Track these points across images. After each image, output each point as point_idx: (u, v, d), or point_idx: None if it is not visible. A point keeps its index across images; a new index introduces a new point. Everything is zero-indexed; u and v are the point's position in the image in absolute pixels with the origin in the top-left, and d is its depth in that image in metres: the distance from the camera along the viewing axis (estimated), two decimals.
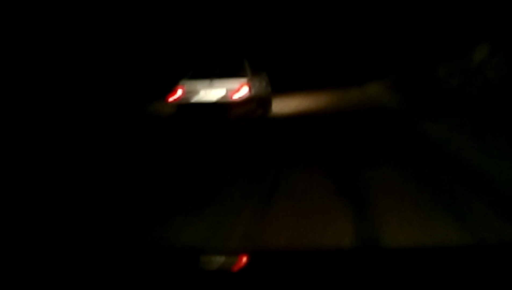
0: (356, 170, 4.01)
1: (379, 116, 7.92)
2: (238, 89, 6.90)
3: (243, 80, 7.04)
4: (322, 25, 18.44)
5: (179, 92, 7.22)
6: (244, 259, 1.30)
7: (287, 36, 18.34)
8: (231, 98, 6.88)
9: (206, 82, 7.15)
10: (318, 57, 17.83)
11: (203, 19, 15.75)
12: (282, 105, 9.44)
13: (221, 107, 6.91)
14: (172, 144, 6.08)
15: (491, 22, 9.04)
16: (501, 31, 8.28)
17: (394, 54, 14.56)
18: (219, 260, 1.35)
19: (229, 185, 3.74)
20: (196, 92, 7.10)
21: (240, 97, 6.90)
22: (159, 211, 3.17)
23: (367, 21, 17.01)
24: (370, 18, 16.83)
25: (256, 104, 7.38)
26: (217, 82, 7.08)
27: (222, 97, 6.94)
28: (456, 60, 10.34)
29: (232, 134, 6.55)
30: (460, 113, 6.83)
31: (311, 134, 6.27)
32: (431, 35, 12.11)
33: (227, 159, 4.96)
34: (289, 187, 3.60)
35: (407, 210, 2.81)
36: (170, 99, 7.33)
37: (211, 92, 7.04)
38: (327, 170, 4.05)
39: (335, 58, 17.39)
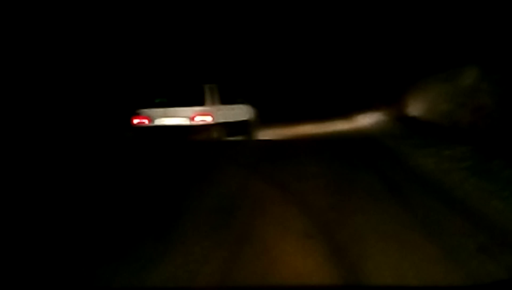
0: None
1: (365, 146, 7.27)
2: (196, 116, 7.48)
3: (203, 108, 7.57)
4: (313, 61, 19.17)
5: (141, 118, 7.76)
6: None
7: (279, 70, 19.02)
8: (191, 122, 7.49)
9: (168, 107, 7.75)
10: (307, 90, 18.24)
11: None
12: (269, 133, 10.27)
13: (181, 130, 7.52)
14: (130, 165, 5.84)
15: (481, 44, 8.73)
16: (491, 53, 7.91)
17: (381, 82, 14.29)
18: None
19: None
20: (158, 116, 7.67)
21: (198, 121, 7.49)
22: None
23: (353, 51, 17.08)
24: (356, 47, 16.88)
25: (215, 129, 7.66)
26: (178, 108, 7.63)
27: (183, 122, 7.55)
28: (446, 83, 9.91)
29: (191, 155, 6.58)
30: (454, 141, 6.18)
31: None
32: (418, 58, 11.69)
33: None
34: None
35: None
36: (135, 121, 7.82)
37: (171, 116, 7.62)
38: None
39: (323, 90, 17.75)
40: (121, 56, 13.39)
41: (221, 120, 7.73)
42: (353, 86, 16.82)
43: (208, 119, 7.46)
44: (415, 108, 10.67)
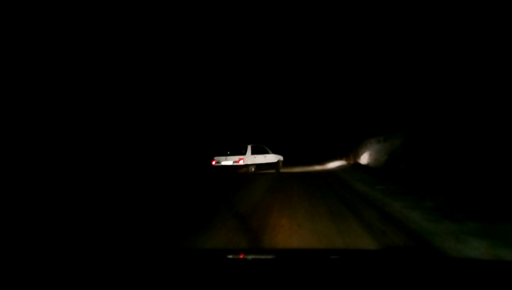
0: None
1: (328, 176, 12.06)
2: (239, 160, 13.52)
3: (242, 156, 13.66)
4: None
5: (214, 161, 13.89)
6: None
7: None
8: (236, 163, 13.55)
9: (226, 156, 13.88)
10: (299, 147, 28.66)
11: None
12: (285, 170, 17.02)
13: (232, 166, 13.54)
14: (209, 185, 10.65)
15: (406, 116, 13.77)
16: (413, 124, 12.84)
17: (342, 142, 20.82)
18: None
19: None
20: (222, 160, 13.73)
21: (239, 163, 13.48)
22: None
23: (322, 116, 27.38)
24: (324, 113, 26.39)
25: (250, 167, 13.77)
26: (231, 156, 13.75)
27: (233, 163, 13.56)
28: (382, 142, 15.02)
29: (240, 179, 12.20)
30: (378, 176, 10.90)
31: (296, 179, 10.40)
32: (367, 127, 17.40)
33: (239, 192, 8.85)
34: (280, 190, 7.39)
35: None
36: (212, 163, 13.99)
37: (227, 160, 13.65)
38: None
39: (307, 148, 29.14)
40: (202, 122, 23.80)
41: (251, 162, 13.81)
42: (324, 145, 26.46)
43: (242, 162, 13.43)
44: (363, 158, 15.80)
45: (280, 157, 16.35)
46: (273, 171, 15.26)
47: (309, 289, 1.16)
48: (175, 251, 2.77)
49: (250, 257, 1.82)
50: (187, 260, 1.59)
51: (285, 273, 1.32)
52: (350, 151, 18.07)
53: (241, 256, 1.85)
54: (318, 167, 18.43)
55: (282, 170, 16.65)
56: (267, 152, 15.19)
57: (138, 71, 19.47)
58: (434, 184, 7.57)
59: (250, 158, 13.76)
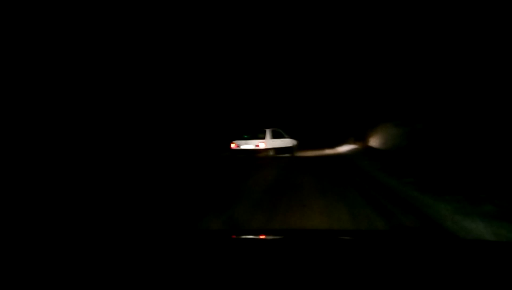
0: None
1: (340, 159, 12.96)
2: (258, 143, 14.27)
3: (262, 140, 14.39)
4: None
5: (235, 144, 14.67)
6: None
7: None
8: (257, 147, 14.31)
9: (246, 140, 14.65)
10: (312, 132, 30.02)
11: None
12: (300, 153, 17.77)
13: (253, 150, 14.32)
14: (229, 168, 11.52)
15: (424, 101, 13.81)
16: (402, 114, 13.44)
17: (354, 126, 21.73)
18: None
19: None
20: (242, 144, 14.51)
21: (259, 146, 14.24)
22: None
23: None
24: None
25: (269, 150, 14.46)
26: (251, 140, 14.52)
27: (254, 146, 14.35)
28: (401, 127, 15.30)
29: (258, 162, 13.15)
30: (384, 157, 11.69)
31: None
32: (379, 112, 18.15)
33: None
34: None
35: None
36: (232, 146, 14.82)
37: (248, 144, 14.43)
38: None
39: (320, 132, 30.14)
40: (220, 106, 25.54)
41: (271, 146, 14.44)
42: (337, 128, 27.03)
43: (262, 145, 14.08)
44: (374, 142, 16.64)
45: (295, 141, 17.00)
46: (289, 155, 15.97)
47: (317, 269, 1.18)
48: (192, 231, 2.88)
49: (259, 236, 1.86)
50: (197, 240, 1.65)
51: (294, 253, 1.36)
52: (363, 134, 18.91)
53: (250, 236, 1.86)
54: (329, 151, 18.84)
55: (300, 154, 17.36)
56: (284, 136, 15.80)
57: (156, 60, 20.37)
58: (468, 177, 6.28)
59: (269, 142, 14.41)
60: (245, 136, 14.89)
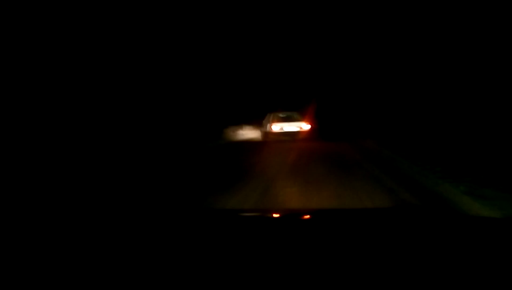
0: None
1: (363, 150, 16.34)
2: (302, 126, 16.40)
3: (304, 123, 16.52)
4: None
5: (275, 126, 16.34)
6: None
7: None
8: (300, 129, 16.39)
9: (289, 122, 16.51)
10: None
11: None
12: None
13: (294, 133, 16.19)
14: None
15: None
16: None
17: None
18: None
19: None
20: (285, 127, 16.37)
21: (303, 129, 16.38)
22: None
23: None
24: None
25: (308, 132, 16.60)
26: (291, 122, 16.40)
27: (295, 129, 16.37)
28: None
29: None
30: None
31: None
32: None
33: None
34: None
35: None
36: (272, 129, 16.42)
37: (290, 126, 16.34)
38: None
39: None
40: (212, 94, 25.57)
41: (307, 128, 16.22)
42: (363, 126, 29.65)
43: (304, 127, 16.43)
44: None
45: (320, 125, 17.62)
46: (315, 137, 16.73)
47: (322, 246, 1.16)
48: (203, 210, 2.93)
49: (265, 215, 1.91)
50: (201, 218, 1.68)
51: (298, 231, 1.36)
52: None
53: (256, 214, 1.92)
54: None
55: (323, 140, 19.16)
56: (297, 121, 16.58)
57: (152, 52, 20.14)
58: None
59: (306, 125, 16.01)
60: (282, 116, 15.44)
